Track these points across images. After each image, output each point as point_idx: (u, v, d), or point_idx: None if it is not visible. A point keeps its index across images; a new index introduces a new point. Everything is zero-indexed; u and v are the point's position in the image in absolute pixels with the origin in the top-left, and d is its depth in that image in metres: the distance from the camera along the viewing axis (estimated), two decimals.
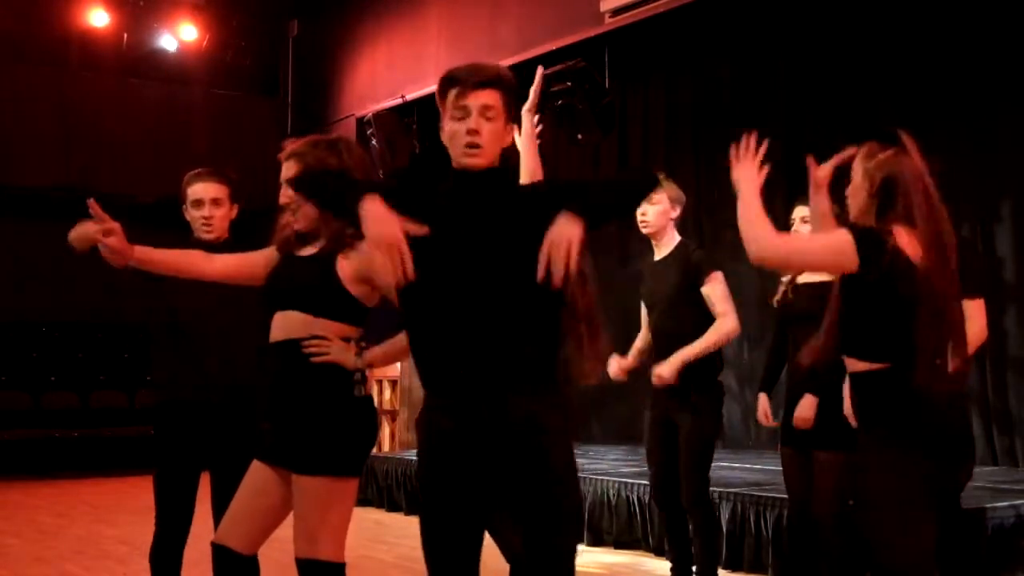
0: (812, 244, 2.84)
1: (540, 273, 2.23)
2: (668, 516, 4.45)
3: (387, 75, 10.62)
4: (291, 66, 12.32)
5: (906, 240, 2.64)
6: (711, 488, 4.48)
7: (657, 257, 4.41)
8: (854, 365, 2.74)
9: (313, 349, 2.81)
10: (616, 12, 8.06)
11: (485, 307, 2.33)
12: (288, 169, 2.91)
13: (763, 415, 4.43)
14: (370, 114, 10.34)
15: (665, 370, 4.20)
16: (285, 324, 2.88)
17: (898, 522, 2.57)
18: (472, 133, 2.37)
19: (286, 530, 2.92)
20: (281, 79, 12.39)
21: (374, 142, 10.11)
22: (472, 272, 2.34)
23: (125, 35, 11.47)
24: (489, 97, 2.39)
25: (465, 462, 2.38)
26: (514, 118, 2.48)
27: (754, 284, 7.29)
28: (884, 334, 2.67)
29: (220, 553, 2.93)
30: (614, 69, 8.68)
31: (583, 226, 2.26)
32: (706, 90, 8.94)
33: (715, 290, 4.23)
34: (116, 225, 2.95)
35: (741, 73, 8.70)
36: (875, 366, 2.68)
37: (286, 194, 2.93)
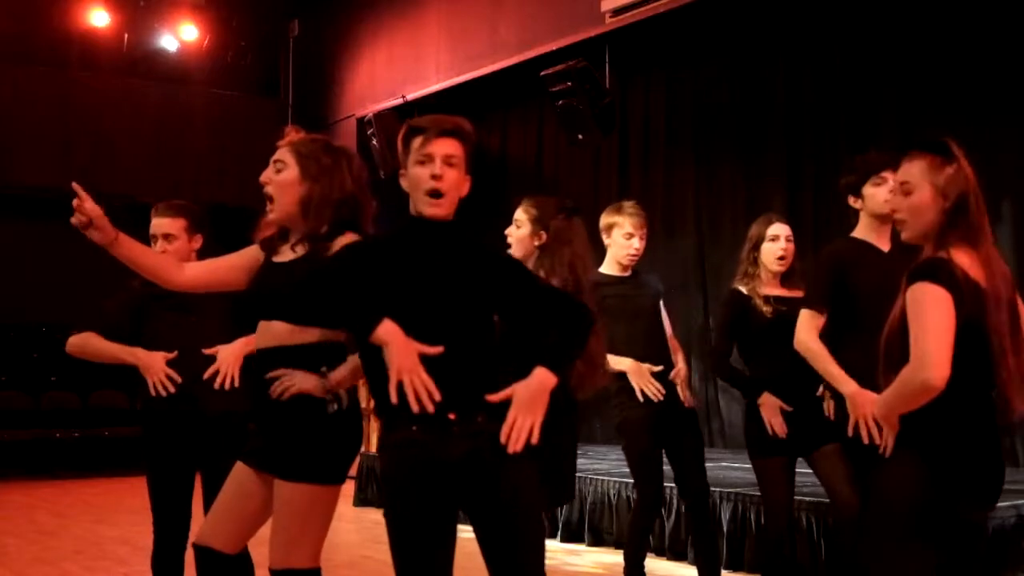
0: (938, 335, 2.41)
1: (505, 432, 2.37)
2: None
3: (387, 75, 10.61)
4: (291, 66, 12.32)
5: (967, 262, 2.49)
6: (712, 488, 4.50)
7: (628, 274, 4.48)
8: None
9: (277, 388, 2.76)
10: (617, 12, 8.07)
11: (446, 341, 2.42)
12: (282, 155, 2.91)
13: (776, 423, 4.01)
14: (370, 114, 10.32)
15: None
16: (270, 331, 2.83)
17: (901, 542, 2.50)
18: (436, 178, 2.50)
19: None
20: (281, 79, 12.39)
21: (374, 142, 10.10)
22: (433, 312, 2.47)
23: (126, 35, 11.47)
24: (452, 146, 2.54)
25: (432, 478, 2.44)
26: (471, 170, 2.59)
27: None
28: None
29: (202, 554, 2.91)
30: (615, 69, 8.68)
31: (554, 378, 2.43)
32: (706, 90, 8.93)
33: None
34: (98, 211, 2.91)
35: (741, 73, 8.70)
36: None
37: (267, 175, 2.93)
